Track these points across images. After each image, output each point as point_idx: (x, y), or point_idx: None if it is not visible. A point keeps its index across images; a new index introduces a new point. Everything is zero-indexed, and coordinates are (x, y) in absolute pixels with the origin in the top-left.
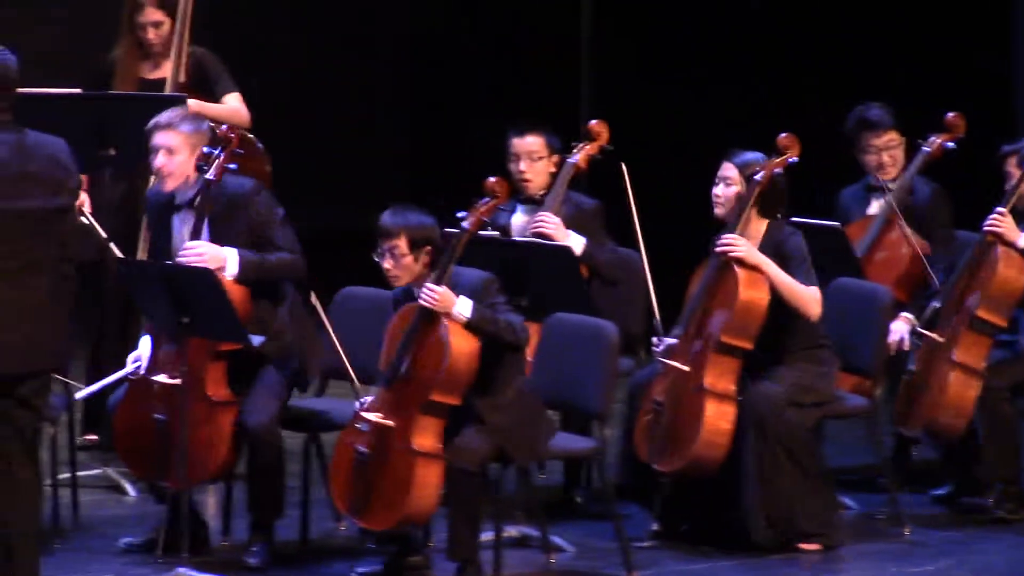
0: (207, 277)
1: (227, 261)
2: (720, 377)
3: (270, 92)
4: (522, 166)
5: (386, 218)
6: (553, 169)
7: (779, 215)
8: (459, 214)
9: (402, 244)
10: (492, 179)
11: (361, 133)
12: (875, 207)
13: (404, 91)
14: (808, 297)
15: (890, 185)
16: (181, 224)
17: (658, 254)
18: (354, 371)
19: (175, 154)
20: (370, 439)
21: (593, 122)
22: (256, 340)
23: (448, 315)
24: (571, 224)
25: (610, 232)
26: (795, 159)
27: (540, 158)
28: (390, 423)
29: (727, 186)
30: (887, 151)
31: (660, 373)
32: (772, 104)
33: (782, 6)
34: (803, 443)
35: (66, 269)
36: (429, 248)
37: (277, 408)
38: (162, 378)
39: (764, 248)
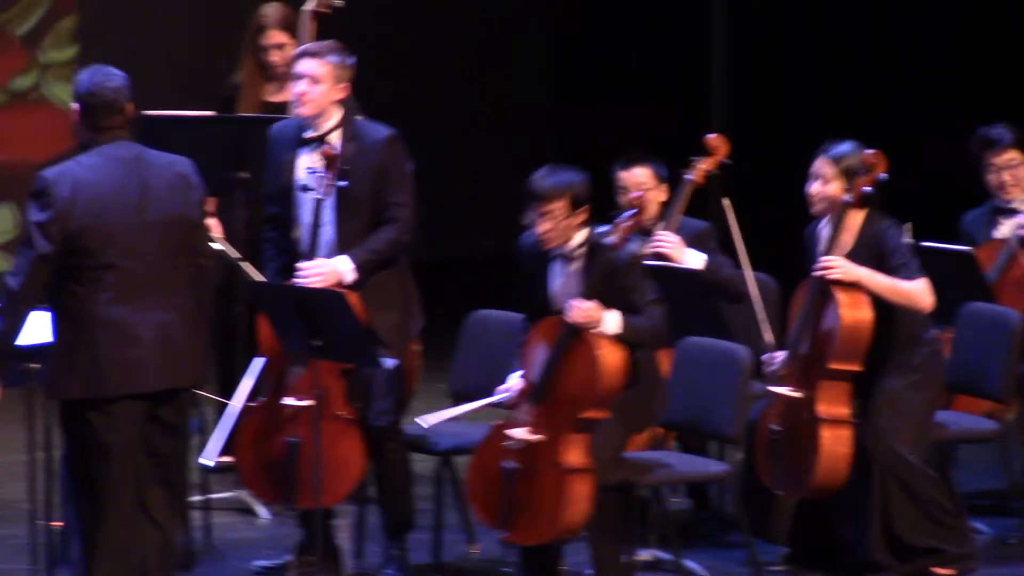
0: (338, 299)
1: (342, 270)
2: (832, 402)
3: (392, 114)
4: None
5: (543, 181)
6: (663, 198)
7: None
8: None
9: (564, 206)
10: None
11: (493, 162)
12: (1003, 229)
13: (541, 119)
14: (916, 293)
15: (1019, 206)
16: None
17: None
18: (484, 393)
19: (318, 83)
20: (520, 455)
21: (711, 136)
22: (389, 363)
23: (596, 330)
24: (687, 244)
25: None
26: (884, 175)
27: (648, 189)
28: (540, 439)
29: (823, 183)
30: (1008, 170)
31: (772, 400)
32: (905, 113)
33: (921, 17)
34: (913, 472)
35: (202, 286)
36: (587, 207)
37: (396, 406)
38: (293, 401)
39: (861, 243)
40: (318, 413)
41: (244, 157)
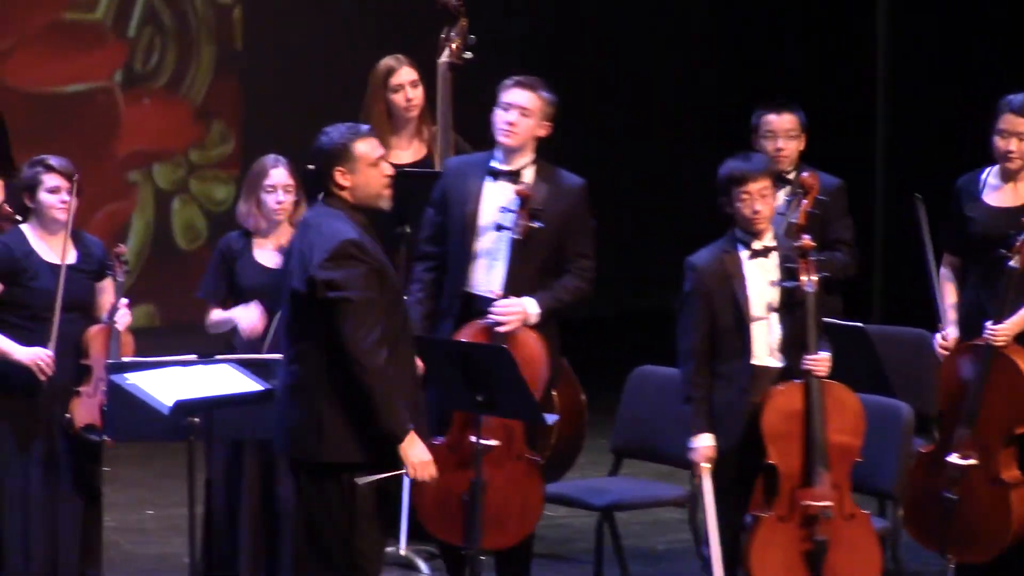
0: (502, 355)
1: (530, 312)
2: (1010, 466)
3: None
4: (780, 143)
5: (746, 164)
6: (802, 148)
7: None
8: None
9: (771, 183)
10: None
11: (654, 218)
12: None
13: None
14: None
15: None
16: None
17: None
18: (648, 450)
19: (528, 116)
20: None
21: (805, 175)
22: (550, 419)
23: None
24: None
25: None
26: None
27: (794, 136)
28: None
29: (1020, 140)
30: None
31: (948, 467)
32: None
33: None
34: None
35: (336, 354)
36: None
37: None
38: (482, 440)
39: None
40: (505, 453)
41: (407, 212)
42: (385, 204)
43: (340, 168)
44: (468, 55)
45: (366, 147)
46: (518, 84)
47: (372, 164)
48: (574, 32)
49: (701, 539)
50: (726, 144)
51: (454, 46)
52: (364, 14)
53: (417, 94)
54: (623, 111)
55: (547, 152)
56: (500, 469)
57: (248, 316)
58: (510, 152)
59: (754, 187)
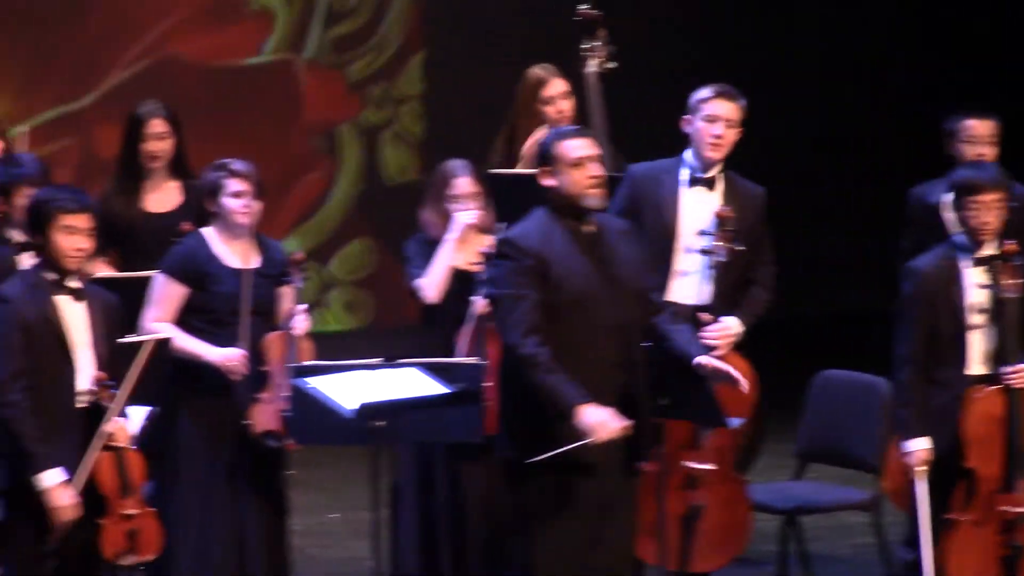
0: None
1: (736, 332)
2: None
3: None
4: (980, 149)
5: (980, 174)
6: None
7: None
8: None
9: (1004, 195)
10: None
11: (833, 224)
12: None
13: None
14: None
15: None
16: None
17: None
18: (832, 454)
19: (733, 127)
20: None
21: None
22: (734, 422)
23: None
24: None
25: None
26: None
27: (994, 143)
28: None
29: None
30: None
31: None
32: None
33: None
34: None
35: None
36: None
37: None
38: (695, 464)
39: None
40: (721, 475)
41: None
42: (591, 202)
43: (546, 168)
44: (612, 64)
45: (568, 148)
46: (721, 95)
47: (574, 165)
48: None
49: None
50: (914, 148)
51: (599, 56)
52: (509, 26)
53: (568, 105)
54: (813, 112)
55: (732, 157)
56: (714, 492)
57: None
58: (711, 163)
59: (986, 198)
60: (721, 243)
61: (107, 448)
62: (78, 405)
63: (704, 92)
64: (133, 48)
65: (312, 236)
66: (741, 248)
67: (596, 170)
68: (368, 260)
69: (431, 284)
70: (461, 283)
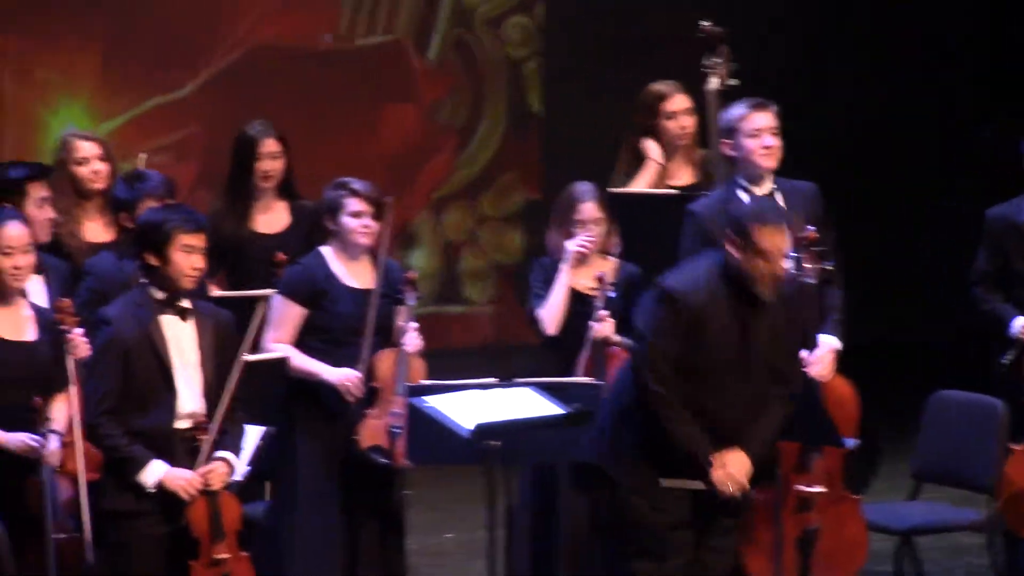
0: (807, 384)
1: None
2: None
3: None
4: None
5: None
6: None
7: None
8: None
9: None
10: None
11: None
12: None
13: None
14: None
15: None
16: None
17: None
18: (948, 474)
19: (777, 136)
20: None
21: None
22: (849, 443)
23: None
24: None
25: None
26: None
27: None
28: None
29: None
30: None
31: None
32: None
33: None
34: None
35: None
36: None
37: None
38: (806, 487)
39: None
40: (835, 497)
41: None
42: (766, 297)
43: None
44: (734, 81)
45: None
46: (757, 107)
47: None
48: (831, 56)
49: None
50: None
51: (721, 73)
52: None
53: (691, 122)
54: (889, 135)
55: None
56: (827, 514)
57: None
58: (762, 176)
59: None
60: (810, 265)
61: (202, 492)
62: (177, 426)
63: (738, 110)
64: (227, 36)
65: None
66: (830, 267)
67: (783, 266)
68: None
69: (549, 318)
70: (579, 305)
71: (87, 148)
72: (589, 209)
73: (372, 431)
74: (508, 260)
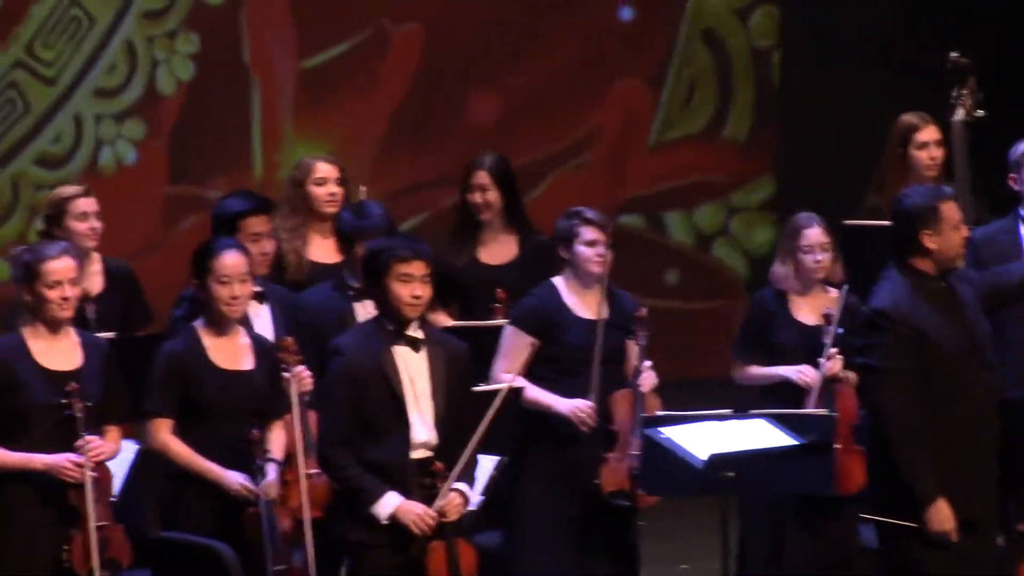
0: None
1: None
2: None
3: None
4: None
5: None
6: None
7: None
8: None
9: None
10: None
11: None
12: None
13: None
14: None
15: None
16: None
17: None
18: None
19: None
20: None
21: None
22: None
23: None
24: None
25: None
26: None
27: None
28: None
29: None
30: None
31: None
32: None
33: None
34: None
35: None
36: None
37: None
38: None
39: None
40: None
41: None
42: (960, 263)
43: (926, 231)
44: (980, 113)
45: (951, 209)
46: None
47: (955, 227)
48: None
49: None
50: None
51: (967, 104)
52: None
53: (940, 153)
54: None
55: None
56: None
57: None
58: None
59: None
60: None
61: (440, 535)
62: (412, 457)
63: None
64: None
65: None
66: None
67: (966, 232)
68: None
69: (746, 381)
70: (805, 339)
71: (326, 170)
72: (815, 235)
73: (613, 475)
74: (759, 251)
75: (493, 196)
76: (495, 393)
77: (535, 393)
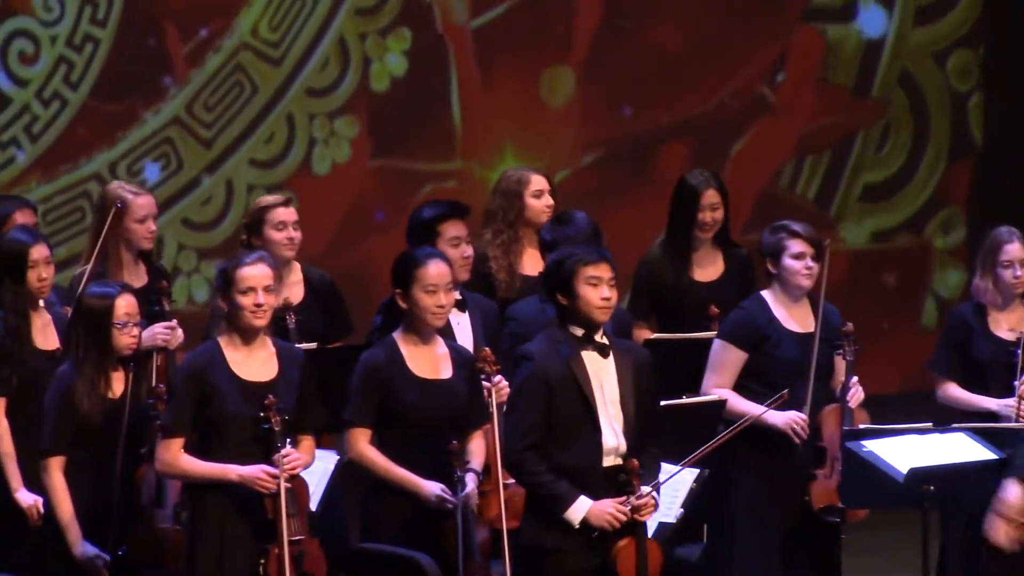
0: None
1: None
2: None
3: None
4: None
5: None
6: None
7: None
8: None
9: None
10: None
11: None
12: None
13: None
14: None
15: None
16: None
17: None
18: None
19: None
20: None
21: None
22: None
23: None
24: None
25: None
26: None
27: None
28: None
29: None
30: None
31: None
32: None
33: None
34: None
35: None
36: None
37: None
38: None
39: None
40: None
41: None
42: None
43: None
44: None
45: None
46: None
47: None
48: None
49: None
50: None
51: None
52: None
53: None
54: None
55: None
56: None
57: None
58: None
59: None
60: None
61: (631, 532)
62: (605, 464)
63: None
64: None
65: None
66: None
67: None
68: None
69: (948, 401)
70: (1002, 354)
71: (540, 182)
72: (1015, 250)
73: (823, 492)
74: (950, 295)
75: (721, 215)
76: (704, 406)
77: (745, 405)
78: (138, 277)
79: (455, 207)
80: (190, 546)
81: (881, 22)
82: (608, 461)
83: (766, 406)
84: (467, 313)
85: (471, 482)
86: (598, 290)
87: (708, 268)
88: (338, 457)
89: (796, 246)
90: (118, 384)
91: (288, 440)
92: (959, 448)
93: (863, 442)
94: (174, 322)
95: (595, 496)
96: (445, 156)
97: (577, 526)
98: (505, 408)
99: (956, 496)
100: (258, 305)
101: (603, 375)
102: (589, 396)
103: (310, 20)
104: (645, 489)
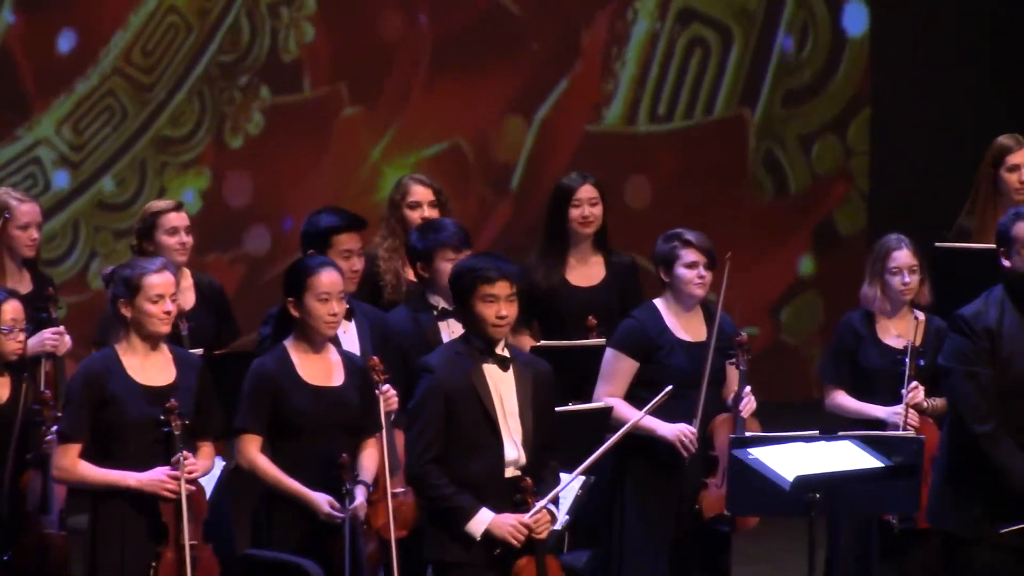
0: None
1: None
2: None
3: None
4: None
5: None
6: None
7: None
8: None
9: None
10: None
11: None
12: None
13: None
14: None
15: None
16: None
17: None
18: None
19: None
20: None
21: None
22: None
23: None
24: None
25: None
26: None
27: None
28: None
29: None
30: None
31: None
32: None
33: None
34: None
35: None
36: None
37: None
38: None
39: None
40: None
41: None
42: None
43: (1002, 248)
44: None
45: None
46: None
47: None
48: None
49: None
50: None
51: None
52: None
53: None
54: None
55: None
56: None
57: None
58: None
59: None
60: None
61: (529, 550)
62: (506, 475)
63: None
64: None
65: None
66: None
67: None
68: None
69: (836, 410)
70: (887, 361)
71: (420, 192)
72: (903, 256)
73: (714, 501)
74: None
75: (599, 211)
76: (590, 413)
77: (630, 412)
78: (23, 284)
79: (352, 220)
80: (91, 549)
81: None
82: (509, 472)
83: (648, 406)
84: (353, 322)
85: (360, 495)
86: (494, 307)
87: (586, 272)
88: (224, 464)
89: (689, 255)
90: (4, 390)
91: (188, 445)
92: (845, 456)
93: (749, 450)
94: (62, 328)
95: (498, 508)
96: None
97: (479, 538)
98: (405, 420)
99: (842, 504)
100: (167, 312)
101: (503, 388)
102: (490, 408)
103: None
104: (539, 504)
